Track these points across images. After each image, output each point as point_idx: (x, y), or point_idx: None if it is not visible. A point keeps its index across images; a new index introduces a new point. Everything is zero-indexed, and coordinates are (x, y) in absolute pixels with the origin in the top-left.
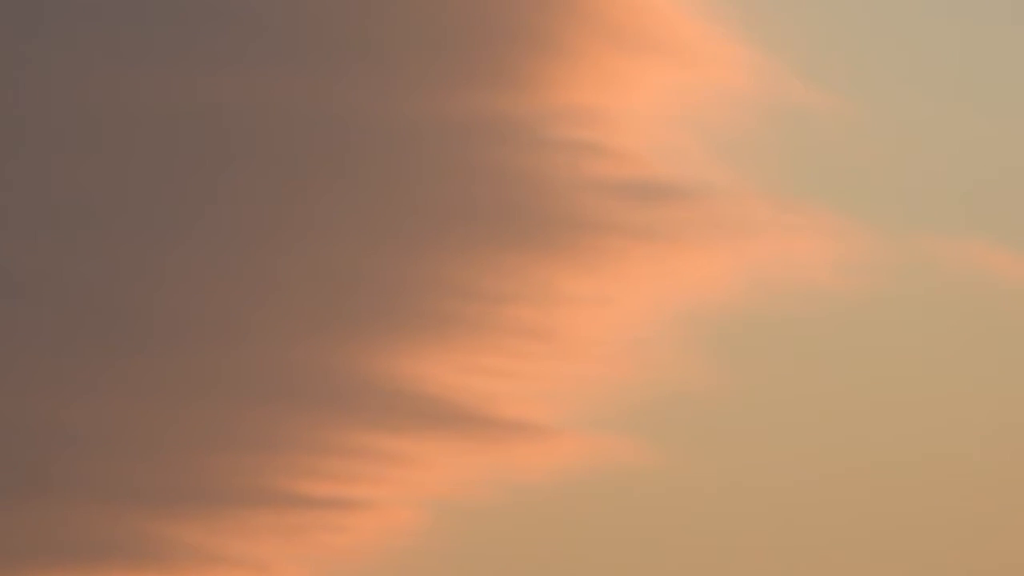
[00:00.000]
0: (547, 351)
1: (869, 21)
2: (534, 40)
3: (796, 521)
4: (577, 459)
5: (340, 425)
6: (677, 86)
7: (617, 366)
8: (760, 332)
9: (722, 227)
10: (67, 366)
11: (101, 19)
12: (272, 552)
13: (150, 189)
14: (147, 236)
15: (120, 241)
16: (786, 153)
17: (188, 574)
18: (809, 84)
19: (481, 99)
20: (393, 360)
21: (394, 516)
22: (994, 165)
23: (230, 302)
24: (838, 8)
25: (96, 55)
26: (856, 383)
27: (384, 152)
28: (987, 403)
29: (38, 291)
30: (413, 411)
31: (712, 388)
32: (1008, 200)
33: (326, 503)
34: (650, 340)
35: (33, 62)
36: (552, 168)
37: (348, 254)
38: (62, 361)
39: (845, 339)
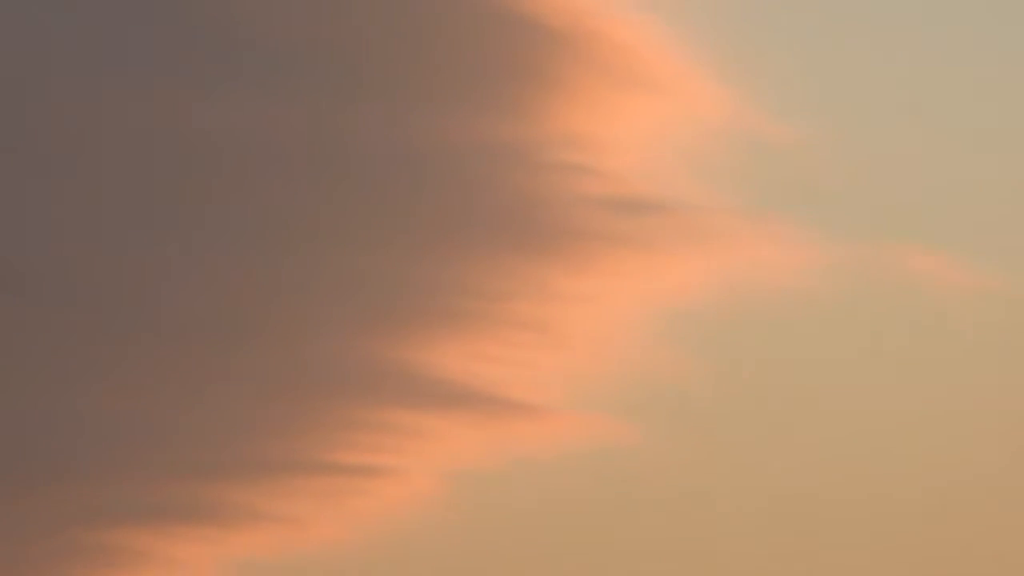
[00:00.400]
0: (543, 342)
1: (822, 64)
2: (535, 75)
3: (759, 491)
4: (569, 435)
5: (367, 404)
6: (658, 117)
7: (604, 355)
8: (729, 327)
9: (695, 237)
10: (138, 359)
11: (121, 49)
12: (309, 511)
13: (188, 200)
14: (198, 242)
15: (172, 247)
16: (751, 174)
17: (238, 530)
18: (771, 115)
19: (488, 126)
20: (412, 349)
21: (413, 482)
22: (930, 183)
23: (277, 304)
24: (797, 53)
25: (124, 83)
26: (813, 372)
27: (406, 172)
28: (921, 388)
29: (97, 292)
30: (429, 392)
31: (687, 375)
32: (942, 213)
33: (355, 470)
34: (633, 333)
35: (53, 86)
36: (549, 186)
37: (375, 261)
38: (135, 354)
39: (804, 334)
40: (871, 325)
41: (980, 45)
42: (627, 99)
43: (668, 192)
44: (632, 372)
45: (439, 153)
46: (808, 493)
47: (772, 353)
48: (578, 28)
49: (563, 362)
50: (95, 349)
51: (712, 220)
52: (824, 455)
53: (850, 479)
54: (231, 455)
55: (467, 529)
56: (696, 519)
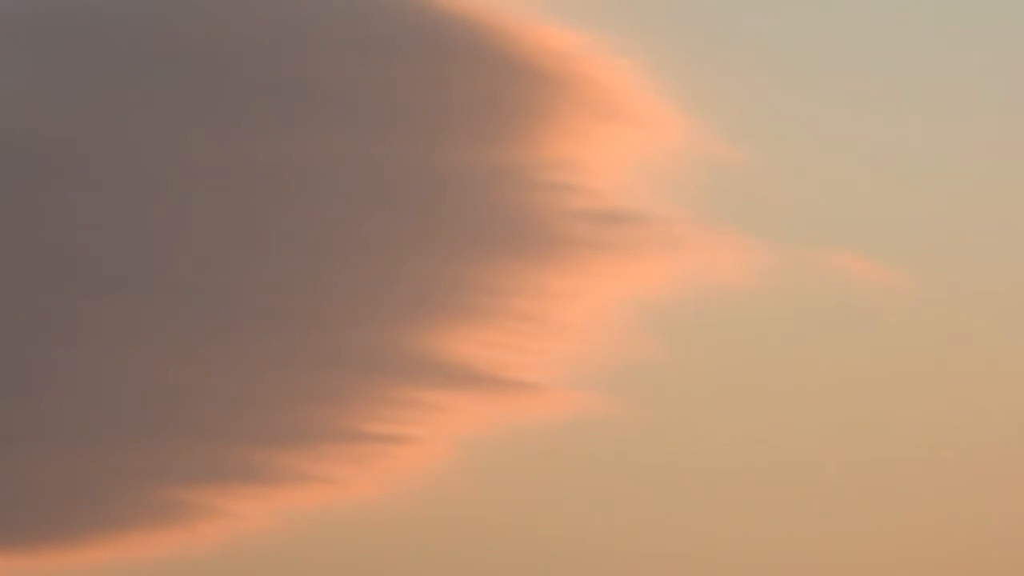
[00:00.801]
0: (538, 331)
1: (764, 100)
2: (531, 111)
3: (713, 451)
4: (560, 408)
5: (395, 383)
6: (631, 144)
7: (587, 341)
8: (689, 317)
9: (661, 243)
10: (214, 344)
11: (202, 100)
12: (346, 472)
13: (259, 216)
14: (264, 250)
15: (244, 254)
16: (706, 190)
17: (287, 488)
18: (723, 142)
19: (494, 154)
20: (431, 338)
21: (432, 447)
22: (854, 198)
23: (327, 301)
24: (743, 91)
25: (193, 119)
26: (757, 352)
27: (427, 193)
28: (843, 366)
29: (186, 290)
30: (445, 374)
31: (654, 357)
32: (863, 223)
33: (384, 438)
34: (611, 323)
35: (134, 124)
36: (542, 202)
37: (404, 266)
38: (212, 340)
39: (749, 322)
40: (804, 315)
41: (891, 81)
42: (605, 129)
43: (639, 206)
44: (610, 355)
45: (454, 176)
46: (750, 451)
47: (724, 338)
48: (565, 71)
49: (554, 347)
50: (179, 336)
51: (675, 229)
52: (764, 420)
53: (787, 440)
54: (282, 425)
55: (475, 486)
56: (662, 475)
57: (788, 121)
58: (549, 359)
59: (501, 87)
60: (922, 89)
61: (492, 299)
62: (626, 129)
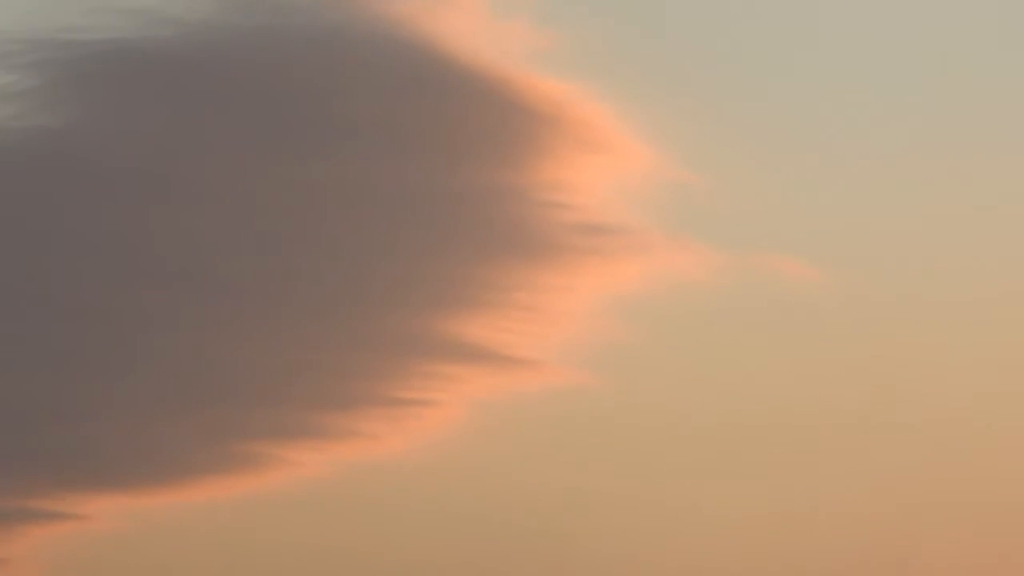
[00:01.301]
0: (536, 318)
1: (716, 132)
2: (529, 142)
3: (679, 418)
4: (553, 380)
5: (421, 359)
6: (609, 169)
7: (576, 328)
8: (655, 309)
9: (633, 249)
10: (278, 330)
11: (256, 125)
12: (384, 430)
13: (312, 223)
14: (317, 253)
15: (302, 256)
16: (669, 206)
17: (336, 443)
18: (682, 167)
19: (501, 176)
20: (450, 324)
21: (450, 410)
22: (791, 212)
23: (369, 294)
24: (698, 126)
25: (249, 147)
26: (710, 339)
27: (447, 207)
28: (784, 355)
29: (259, 284)
30: (461, 352)
31: (629, 340)
32: (798, 232)
33: (413, 402)
34: (595, 313)
35: (210, 151)
36: (539, 215)
37: (428, 266)
38: (275, 326)
39: (703, 312)
40: (747, 307)
41: (824, 110)
42: (589, 158)
43: (616, 219)
44: (593, 337)
45: (469, 194)
46: (704, 416)
47: (683, 325)
48: (557, 112)
49: (548, 332)
50: (250, 322)
51: (644, 238)
52: (716, 391)
53: (733, 407)
54: (332, 393)
55: (485, 441)
56: (635, 433)
57: (732, 150)
58: (544, 341)
59: (507, 124)
60: (846, 123)
61: (499, 293)
62: (605, 158)
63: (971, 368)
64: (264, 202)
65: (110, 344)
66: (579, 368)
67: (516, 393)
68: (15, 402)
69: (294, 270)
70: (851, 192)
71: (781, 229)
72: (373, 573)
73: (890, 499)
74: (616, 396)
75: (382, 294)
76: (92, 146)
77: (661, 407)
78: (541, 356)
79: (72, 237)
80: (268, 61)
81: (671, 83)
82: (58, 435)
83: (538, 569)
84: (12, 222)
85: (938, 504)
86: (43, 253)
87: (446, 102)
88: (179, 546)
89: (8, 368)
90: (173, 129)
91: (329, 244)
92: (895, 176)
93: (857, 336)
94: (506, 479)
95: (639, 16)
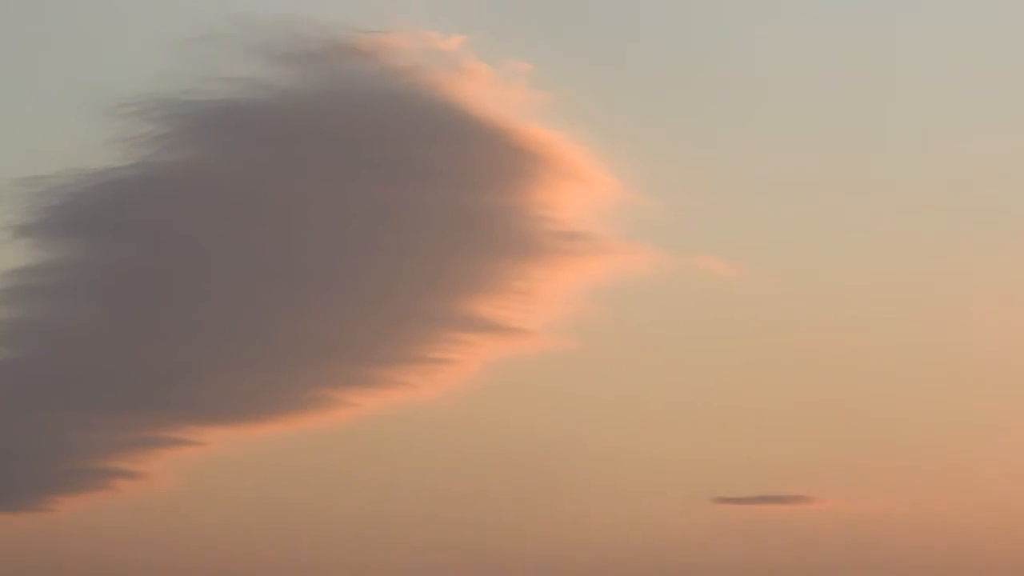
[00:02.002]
0: (529, 300)
1: (666, 164)
2: (524, 173)
3: (631, 373)
4: (541, 345)
5: (445, 329)
6: (581, 193)
7: (558, 307)
8: (615, 295)
9: (599, 251)
10: (343, 309)
11: (327, 161)
12: (418, 381)
13: (365, 234)
14: (360, 258)
15: (351, 259)
16: (625, 219)
17: (384, 390)
18: (635, 191)
19: (501, 197)
20: (466, 304)
21: (466, 367)
22: (717, 224)
23: (406, 284)
24: (647, 162)
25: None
26: (655, 318)
27: (462, 219)
28: (711, 332)
29: (317, 277)
30: (474, 324)
31: (596, 316)
32: (725, 237)
33: (439, 360)
34: (571, 297)
35: (294, 181)
36: (531, 226)
37: (448, 262)
38: (341, 306)
39: (650, 299)
40: (683, 295)
41: (739, 153)
42: (567, 184)
43: (586, 229)
44: (569, 315)
45: (480, 211)
46: (649, 373)
47: (635, 307)
48: (545, 151)
49: (538, 309)
50: (320, 304)
51: (606, 243)
52: (657, 355)
53: (670, 369)
54: (380, 353)
55: (492, 390)
56: (603, 382)
57: (670, 179)
58: (535, 316)
59: (508, 161)
60: (755, 163)
61: (502, 282)
62: (578, 185)
63: (856, 345)
64: (337, 218)
65: (228, 321)
66: (560, 336)
67: (515, 355)
68: (155, 361)
69: (356, 267)
70: (762, 210)
71: (708, 236)
72: (407, 488)
73: (784, 435)
74: (587, 357)
75: (418, 283)
76: (208, 178)
77: (620, 366)
78: (533, 327)
79: (198, 244)
80: (336, 115)
81: (626, 132)
82: (185, 385)
83: (530, 486)
84: (157, 232)
85: (815, 438)
86: (182, 255)
87: (464, 145)
88: (268, 464)
89: (152, 337)
90: (268, 165)
91: (382, 248)
92: (798, 197)
93: (766, 318)
94: (508, 418)
95: (604, 86)
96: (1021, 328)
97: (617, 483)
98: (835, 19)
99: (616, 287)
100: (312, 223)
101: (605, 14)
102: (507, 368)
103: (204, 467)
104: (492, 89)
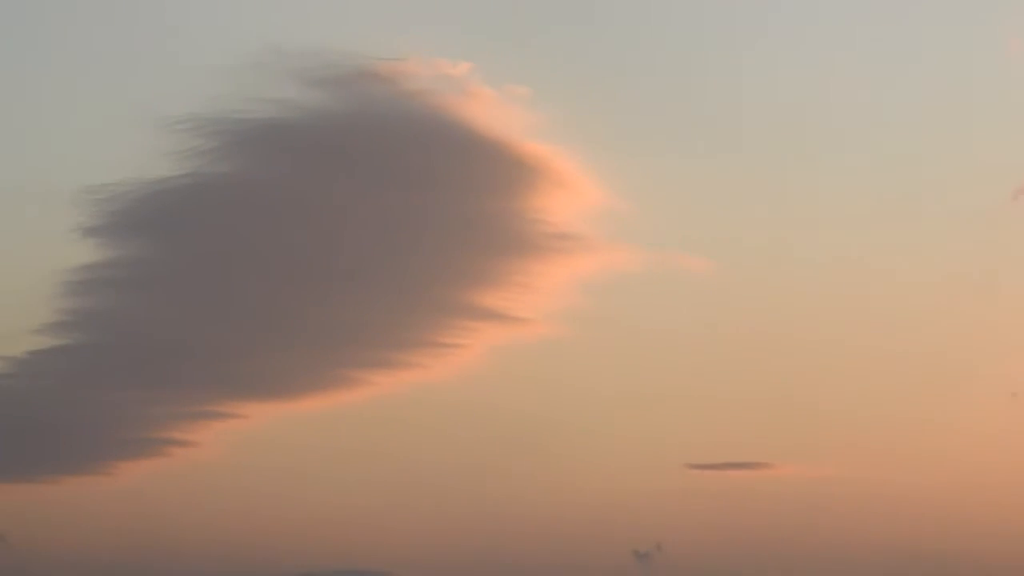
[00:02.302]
0: (527, 293)
1: (639, 180)
2: (522, 182)
3: (614, 357)
4: (539, 331)
5: (454, 319)
6: (572, 199)
7: (552, 299)
8: (601, 288)
9: (588, 250)
10: (365, 298)
11: (359, 175)
12: (431, 363)
13: (389, 237)
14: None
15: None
16: (610, 223)
17: (398, 371)
18: (617, 197)
19: (503, 203)
20: (472, 295)
21: (473, 350)
22: (693, 224)
23: (416, 278)
24: (628, 175)
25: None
26: (635, 308)
27: (471, 221)
28: (684, 319)
29: (346, 273)
30: (479, 314)
31: (584, 307)
32: (698, 238)
33: (449, 345)
34: (562, 290)
35: (330, 193)
36: (529, 228)
37: (457, 259)
38: (364, 297)
39: (632, 292)
40: (661, 289)
41: (710, 163)
42: (559, 192)
43: (576, 231)
44: (562, 305)
45: (486, 215)
46: (633, 359)
47: (618, 299)
48: (540, 163)
49: (534, 301)
50: (354, 295)
51: (593, 243)
52: (636, 342)
53: (646, 354)
54: (400, 338)
55: (496, 369)
56: (591, 362)
57: (649, 187)
58: (532, 307)
59: (509, 171)
60: (725, 171)
61: (504, 276)
62: (569, 192)
63: (810, 331)
64: (361, 221)
65: (266, 311)
66: (554, 324)
67: (515, 340)
68: (205, 345)
69: (377, 264)
70: (728, 215)
71: (683, 236)
72: (421, 455)
73: (748, 410)
74: (577, 342)
75: (430, 278)
76: (250, 186)
77: (605, 350)
78: (530, 316)
79: (240, 243)
80: (359, 132)
81: (611, 147)
82: (231, 366)
83: (529, 453)
84: (206, 232)
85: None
86: (227, 253)
87: (470, 158)
88: (301, 434)
89: (203, 325)
90: (301, 175)
91: (399, 246)
92: (758, 205)
93: (732, 308)
94: (509, 395)
95: (592, 108)
96: (945, 320)
97: (603, 450)
98: (789, 53)
99: (601, 281)
100: (339, 226)
101: (594, 47)
102: (508, 351)
103: (247, 437)
104: (494, 109)
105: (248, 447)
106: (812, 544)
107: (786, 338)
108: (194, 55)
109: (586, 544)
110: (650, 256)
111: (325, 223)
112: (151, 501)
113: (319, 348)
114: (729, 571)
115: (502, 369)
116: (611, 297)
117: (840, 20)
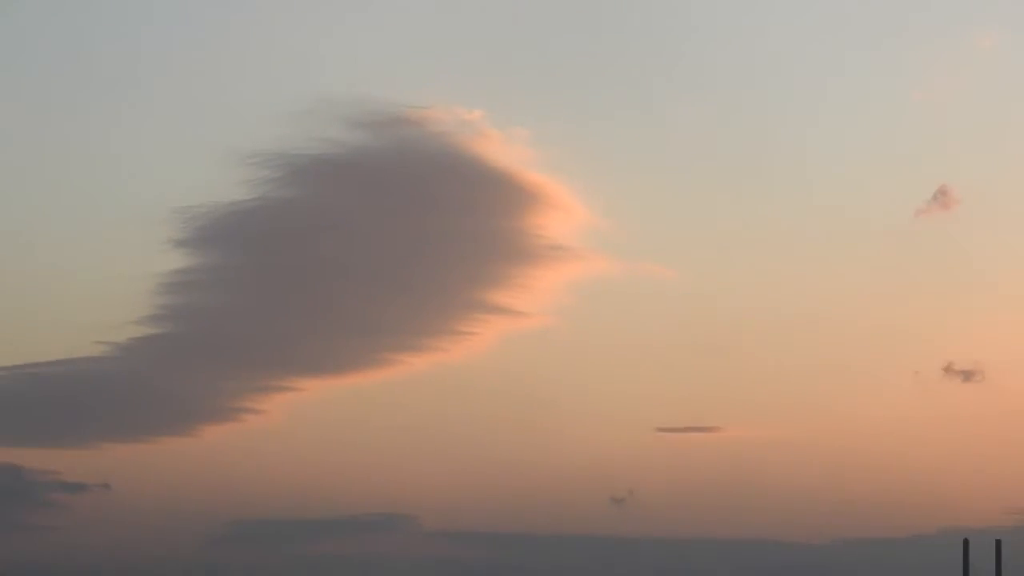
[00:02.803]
0: (526, 292)
1: (618, 206)
2: (521, 204)
3: (597, 348)
4: (537, 323)
5: (467, 312)
6: (564, 218)
7: (548, 297)
8: (585, 289)
9: (575, 259)
10: (395, 294)
11: (382, 196)
12: (451, 347)
13: (416, 250)
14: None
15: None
16: (593, 236)
17: (422, 354)
18: (599, 216)
19: (507, 222)
20: (482, 293)
21: (484, 339)
22: (659, 238)
23: (436, 281)
24: (608, 200)
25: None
26: (612, 306)
27: (482, 238)
28: (653, 324)
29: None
30: (488, 308)
31: (571, 303)
32: (663, 249)
33: (464, 333)
34: (557, 290)
35: (362, 208)
36: (529, 240)
37: (468, 266)
38: (395, 293)
39: (610, 292)
40: (633, 292)
41: (676, 188)
42: (553, 212)
43: (566, 243)
44: (555, 302)
45: (494, 230)
46: (609, 348)
47: (599, 299)
48: (538, 190)
49: (533, 298)
50: (386, 295)
51: (579, 252)
52: (615, 335)
53: (624, 343)
54: (423, 327)
55: (503, 355)
56: (578, 348)
57: (624, 210)
58: (532, 303)
59: (512, 196)
60: (687, 197)
61: (509, 279)
62: (562, 212)
63: (756, 318)
64: (396, 237)
65: (321, 306)
66: (549, 317)
67: (518, 329)
68: (271, 332)
69: (409, 270)
70: (689, 233)
71: (651, 248)
72: (445, 420)
73: (705, 381)
74: (566, 333)
75: (452, 281)
76: (306, 208)
77: (588, 340)
78: (530, 311)
79: (299, 254)
80: (394, 166)
81: (593, 177)
82: (292, 349)
83: (528, 418)
84: (271, 245)
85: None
86: (288, 261)
87: (483, 187)
88: (348, 405)
89: (270, 316)
90: (348, 199)
91: (426, 257)
92: (714, 223)
93: (695, 311)
94: (513, 373)
95: (579, 146)
96: (863, 316)
97: (588, 416)
98: (740, 100)
99: (585, 284)
100: (377, 239)
101: (580, 97)
102: (513, 338)
103: (304, 406)
104: (501, 147)
105: (305, 414)
106: (755, 492)
107: (734, 330)
108: (263, 103)
109: (574, 490)
110: (623, 264)
111: (366, 237)
112: (227, 457)
113: (362, 336)
114: (688, 515)
115: (508, 352)
116: (592, 296)
117: (783, 75)
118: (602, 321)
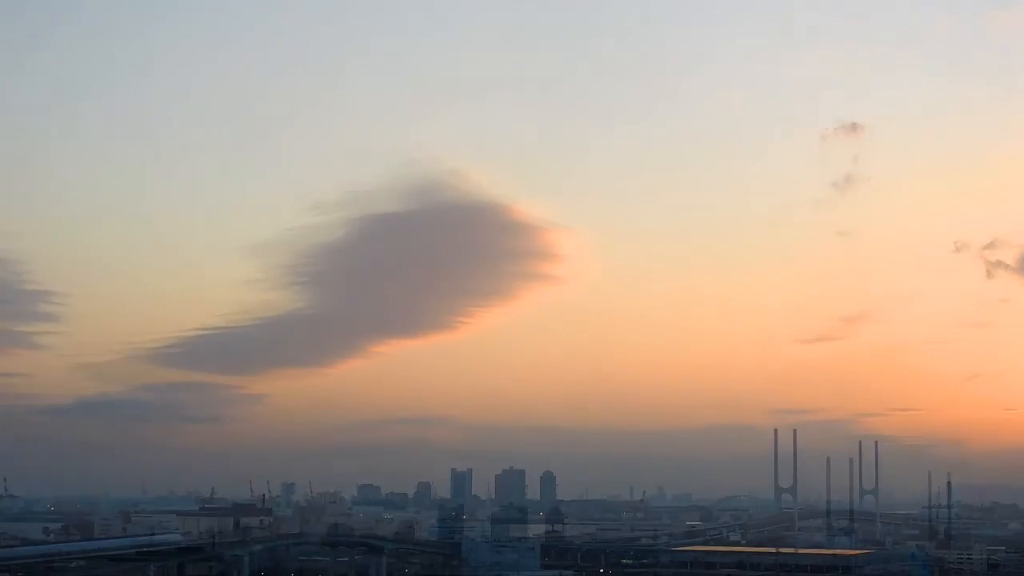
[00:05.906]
0: (527, 291)
1: (597, 232)
2: (519, 233)
3: (582, 338)
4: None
5: (477, 302)
6: (550, 243)
7: (534, 306)
8: (574, 295)
9: (567, 271)
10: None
11: (414, 247)
12: (463, 324)
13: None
14: None
15: None
16: (584, 251)
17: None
18: (580, 240)
19: (506, 244)
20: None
21: (495, 319)
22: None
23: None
24: (591, 231)
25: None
26: (587, 313)
27: (488, 257)
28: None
29: None
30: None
31: (557, 306)
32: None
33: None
34: (542, 299)
35: (400, 254)
36: (522, 260)
37: (477, 279)
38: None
39: (590, 295)
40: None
41: (605, 213)
42: (542, 237)
43: (559, 259)
44: (540, 309)
45: (497, 252)
46: (593, 341)
47: (580, 303)
48: (532, 221)
49: (520, 303)
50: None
51: (571, 264)
52: (593, 329)
53: (599, 337)
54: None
55: (499, 347)
56: (569, 340)
57: (602, 241)
58: (524, 307)
59: (508, 227)
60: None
61: (500, 289)
62: (548, 240)
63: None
64: (438, 277)
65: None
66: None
67: (517, 322)
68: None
69: (466, 271)
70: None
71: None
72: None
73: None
74: (552, 325)
75: (456, 285)
76: (374, 253)
77: (575, 332)
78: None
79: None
80: (434, 222)
81: (577, 215)
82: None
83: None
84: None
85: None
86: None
87: (480, 220)
88: (429, 363)
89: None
90: (397, 244)
91: (451, 272)
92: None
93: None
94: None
95: (573, 212)
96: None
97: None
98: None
99: (567, 292)
100: (423, 280)
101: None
102: (508, 330)
103: (383, 365)
104: (522, 206)
105: (381, 374)
106: None
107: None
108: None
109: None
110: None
111: (414, 276)
112: (353, 388)
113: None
114: None
115: (505, 344)
116: (575, 300)
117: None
118: (583, 319)
